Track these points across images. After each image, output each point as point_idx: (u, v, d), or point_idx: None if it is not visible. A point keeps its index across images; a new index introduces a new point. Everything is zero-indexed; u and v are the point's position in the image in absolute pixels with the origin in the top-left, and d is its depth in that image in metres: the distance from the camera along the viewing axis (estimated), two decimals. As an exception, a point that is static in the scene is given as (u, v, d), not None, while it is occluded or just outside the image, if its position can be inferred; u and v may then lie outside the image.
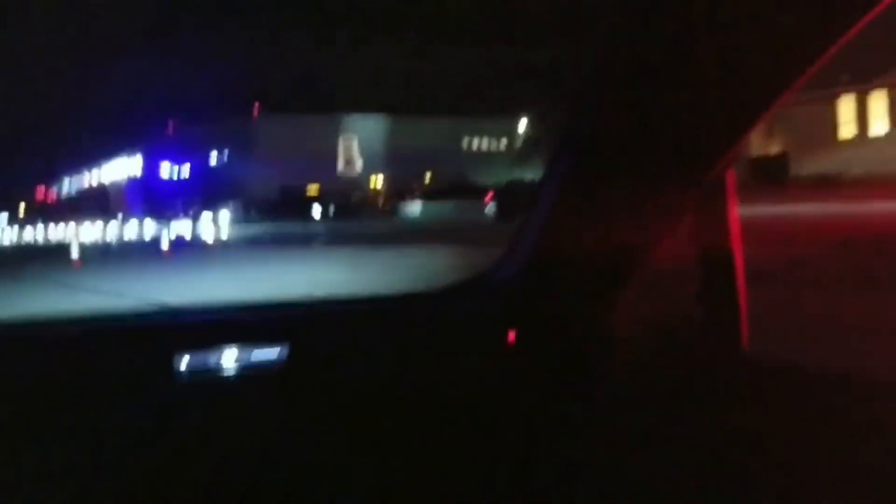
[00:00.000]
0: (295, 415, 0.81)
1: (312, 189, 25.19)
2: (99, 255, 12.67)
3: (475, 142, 33.30)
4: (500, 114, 31.94)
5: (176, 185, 28.57)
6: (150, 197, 29.91)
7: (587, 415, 0.80)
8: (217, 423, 0.79)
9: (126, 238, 20.23)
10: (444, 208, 18.88)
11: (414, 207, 19.86)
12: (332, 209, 21.54)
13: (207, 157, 27.77)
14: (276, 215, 20.00)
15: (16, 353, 0.76)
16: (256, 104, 27.78)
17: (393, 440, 0.81)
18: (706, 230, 0.71)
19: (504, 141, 33.21)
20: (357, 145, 30.12)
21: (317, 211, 20.10)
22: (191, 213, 24.65)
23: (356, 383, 0.83)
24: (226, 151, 27.69)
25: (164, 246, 10.65)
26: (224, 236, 13.65)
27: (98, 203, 32.16)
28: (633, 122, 0.66)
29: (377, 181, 29.16)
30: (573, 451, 0.79)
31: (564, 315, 0.87)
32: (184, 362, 0.78)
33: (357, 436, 0.81)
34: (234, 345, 0.80)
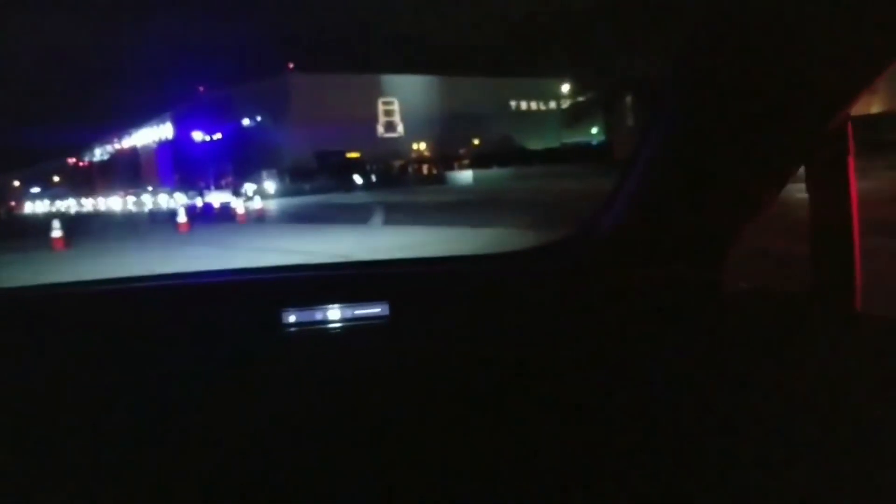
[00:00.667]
0: (396, 369, 0.82)
1: (351, 155, 23.06)
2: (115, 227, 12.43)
3: (523, 104, 30.77)
4: (551, 72, 29.13)
5: (207, 151, 27.16)
6: (179, 164, 28.71)
7: (694, 369, 0.76)
8: (321, 373, 0.82)
9: (146, 208, 19.20)
10: (499, 176, 16.71)
11: (464, 175, 17.71)
12: (373, 177, 19.34)
13: (239, 121, 26.04)
14: (313, 183, 18.12)
15: (145, 304, 0.85)
16: (290, 64, 25.69)
17: (491, 393, 0.82)
18: (821, 187, 0.69)
19: (553, 103, 30.60)
20: (398, 108, 27.87)
21: (357, 179, 18.04)
22: (222, 182, 23.19)
23: (455, 340, 0.85)
24: (258, 116, 25.84)
25: (181, 219, 9.11)
26: (257, 206, 12.02)
27: (127, 172, 31.24)
28: (746, 65, 0.61)
29: (420, 147, 27.02)
30: (683, 404, 0.75)
31: (668, 274, 0.83)
32: (291, 316, 0.82)
33: (456, 390, 0.82)
34: (337, 302, 0.83)
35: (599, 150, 20.54)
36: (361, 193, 16.20)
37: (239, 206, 11.61)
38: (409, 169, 22.29)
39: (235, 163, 25.30)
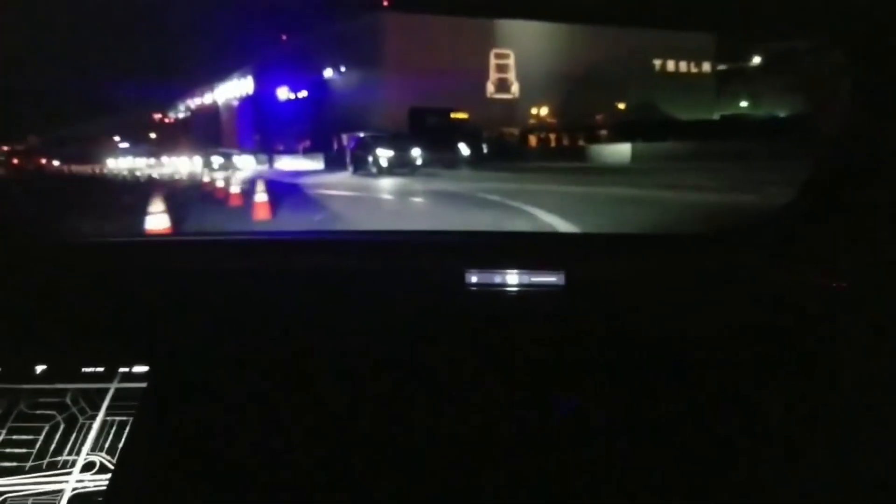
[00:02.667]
0: (569, 337, 0.85)
1: (457, 116, 17.33)
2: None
3: (670, 64, 23.94)
4: (709, 25, 21.88)
5: (286, 109, 23.29)
6: (258, 123, 25.48)
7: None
8: (498, 332, 0.87)
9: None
10: (669, 151, 10.97)
11: (614, 150, 11.96)
12: (484, 147, 13.70)
13: (321, 74, 21.59)
14: (404, 153, 13.03)
15: (339, 256, 0.96)
16: (385, 1, 20.52)
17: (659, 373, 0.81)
18: None
19: (707, 64, 23.60)
20: (514, 63, 22.03)
21: (464, 149, 12.63)
22: (299, 146, 19.50)
23: (626, 317, 0.86)
24: (342, 66, 21.09)
25: (260, 197, 5.87)
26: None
27: (208, 130, 28.65)
28: None
29: (540, 112, 21.07)
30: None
31: (872, 262, 0.82)
32: (474, 276, 0.90)
33: (625, 368, 0.82)
34: (515, 267, 0.89)
35: (788, 125, 14.19)
36: (470, 171, 11.12)
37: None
38: (533, 139, 16.59)
39: (315, 123, 21.01)
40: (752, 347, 0.83)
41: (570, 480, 0.76)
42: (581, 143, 14.24)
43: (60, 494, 0.72)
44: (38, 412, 0.79)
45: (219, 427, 0.79)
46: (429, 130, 14.28)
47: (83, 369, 0.82)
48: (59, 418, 0.79)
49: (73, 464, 0.75)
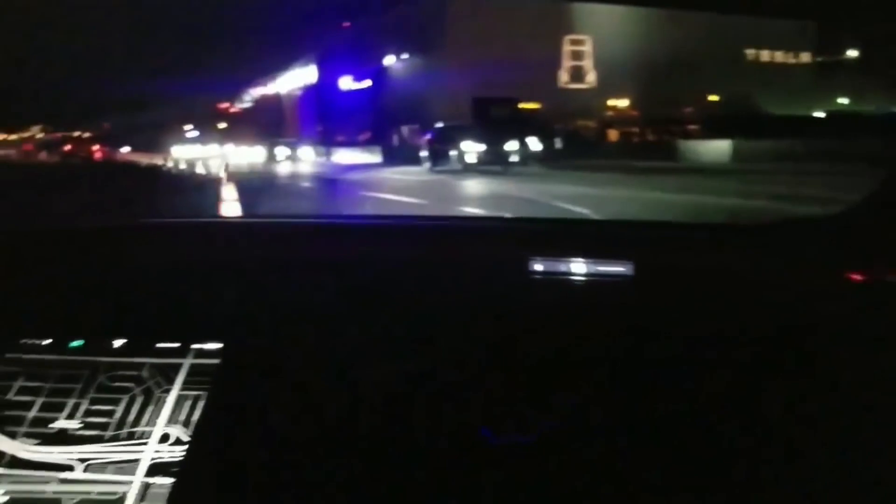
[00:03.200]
0: (636, 329, 0.84)
1: (527, 106, 15.67)
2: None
3: (764, 54, 21.56)
4: (809, 13, 19.27)
5: (348, 99, 22.52)
6: (320, 114, 24.97)
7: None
8: (562, 321, 0.86)
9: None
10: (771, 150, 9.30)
11: (709, 147, 10.23)
12: (557, 142, 11.99)
13: (382, 62, 20.64)
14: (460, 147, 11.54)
15: (404, 241, 1.01)
16: None
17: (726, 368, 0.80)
18: None
19: (807, 55, 21.14)
20: (591, 51, 20.23)
21: (534, 143, 11.06)
22: (359, 137, 18.70)
23: (695, 310, 0.86)
24: (404, 53, 19.98)
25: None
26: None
27: (271, 120, 28.49)
28: None
29: (619, 104, 19.24)
30: None
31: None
32: (538, 264, 0.89)
33: (693, 365, 0.81)
34: (582, 255, 0.88)
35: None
36: (542, 170, 9.70)
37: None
38: (613, 133, 14.86)
39: (376, 114, 20.08)
40: (830, 346, 0.81)
41: (646, 474, 0.75)
42: (670, 138, 12.40)
43: (137, 463, 0.76)
44: (117, 384, 0.83)
45: (289, 403, 0.81)
46: (494, 122, 12.61)
47: (158, 345, 0.86)
48: (136, 391, 0.83)
49: (150, 435, 0.79)
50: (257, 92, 32.29)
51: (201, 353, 0.86)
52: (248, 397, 0.81)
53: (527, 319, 0.87)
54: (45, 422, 0.80)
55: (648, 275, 0.89)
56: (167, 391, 0.83)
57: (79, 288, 0.95)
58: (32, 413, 0.80)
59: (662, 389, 0.80)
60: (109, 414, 0.81)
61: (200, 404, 0.81)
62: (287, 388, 0.82)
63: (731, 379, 0.80)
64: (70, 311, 0.91)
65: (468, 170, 10.35)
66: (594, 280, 0.90)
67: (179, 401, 0.82)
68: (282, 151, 19.03)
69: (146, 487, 0.74)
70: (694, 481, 0.74)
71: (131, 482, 0.74)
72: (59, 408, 0.81)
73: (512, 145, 10.77)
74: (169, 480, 0.74)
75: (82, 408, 0.81)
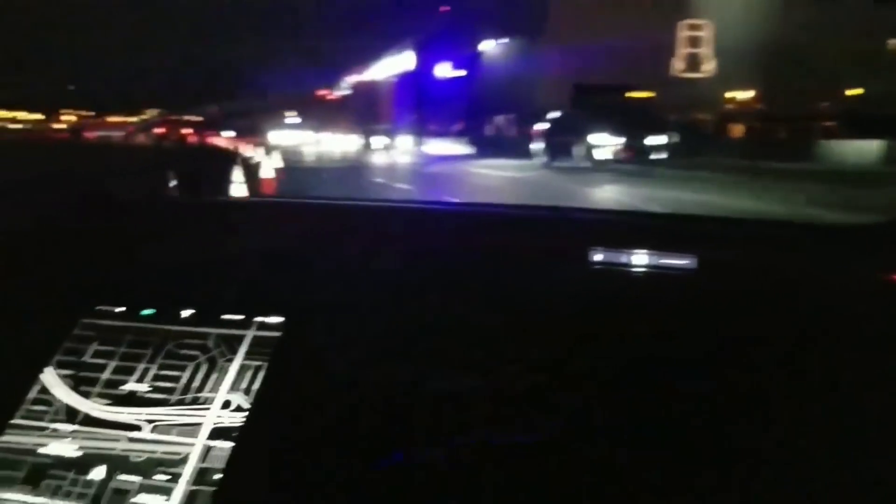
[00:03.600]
0: (699, 326, 0.85)
1: (637, 95, 14.83)
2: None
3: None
4: None
5: (444, 87, 22.68)
6: (416, 102, 25.33)
7: None
8: (622, 314, 0.87)
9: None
10: None
11: (866, 148, 9.05)
12: (673, 137, 10.68)
13: (479, 47, 20.54)
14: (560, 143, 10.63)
15: (460, 228, 1.05)
16: None
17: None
18: None
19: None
20: (709, 37, 18.94)
21: (653, 139, 9.83)
22: (453, 127, 18.78)
23: (766, 308, 0.85)
24: (504, 37, 19.76)
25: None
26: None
27: (365, 108, 29.34)
28: None
29: (741, 96, 17.86)
30: None
31: None
32: (598, 255, 0.91)
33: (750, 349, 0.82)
34: (644, 248, 0.90)
35: None
36: (657, 168, 8.81)
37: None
38: (737, 128, 13.68)
39: (471, 103, 20.08)
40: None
41: (718, 472, 0.75)
42: (805, 135, 11.17)
43: (200, 427, 0.82)
44: (184, 352, 0.90)
45: (346, 379, 0.85)
46: (600, 112, 11.53)
47: (223, 316, 0.93)
48: (201, 359, 0.89)
49: (213, 401, 0.84)
50: (355, 79, 33.44)
51: (263, 326, 0.93)
52: (307, 370, 0.87)
53: (587, 310, 0.89)
54: (117, 384, 0.87)
55: (713, 268, 0.89)
56: (230, 360, 0.89)
57: (150, 260, 1.04)
58: (105, 375, 0.88)
59: (721, 388, 0.80)
60: (176, 379, 0.87)
61: (261, 374, 0.87)
62: (345, 364, 0.87)
63: (791, 381, 0.80)
64: (142, 282, 1.00)
65: (599, 168, 9.18)
66: (656, 272, 0.91)
67: (241, 370, 0.88)
68: (377, 140, 19.45)
69: (208, 450, 0.80)
70: (750, 482, 0.74)
71: (194, 444, 0.81)
72: (129, 371, 0.89)
73: (656, 140, 9.17)
74: (229, 444, 0.80)
75: (151, 372, 0.88)
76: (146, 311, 0.95)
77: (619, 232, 0.97)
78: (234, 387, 0.86)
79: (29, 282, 0.99)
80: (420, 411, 0.82)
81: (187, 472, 0.77)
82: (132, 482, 0.76)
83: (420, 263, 0.98)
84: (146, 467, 0.78)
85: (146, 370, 0.88)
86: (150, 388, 0.86)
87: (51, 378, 0.87)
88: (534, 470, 0.76)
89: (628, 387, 0.81)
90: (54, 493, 0.76)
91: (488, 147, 14.71)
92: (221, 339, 0.91)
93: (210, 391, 0.85)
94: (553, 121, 11.73)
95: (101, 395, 0.86)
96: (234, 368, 0.87)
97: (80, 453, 0.79)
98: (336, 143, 23.29)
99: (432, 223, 1.11)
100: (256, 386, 0.85)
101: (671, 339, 0.83)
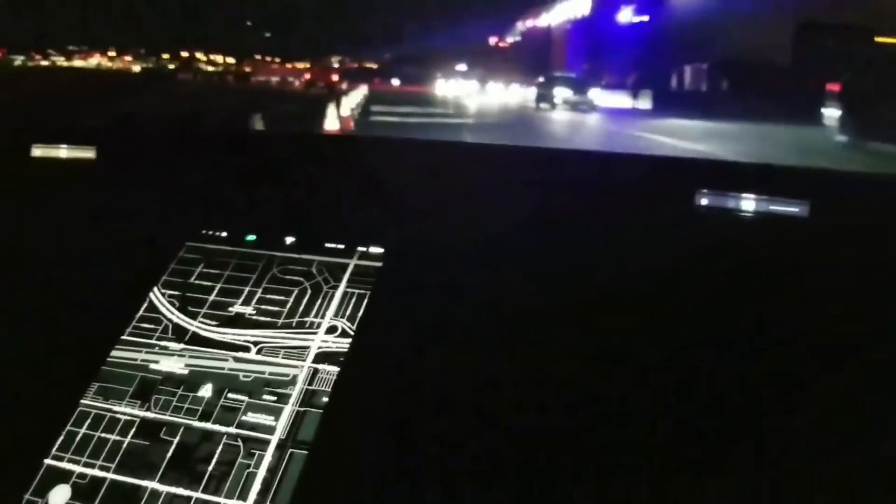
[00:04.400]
0: (810, 273, 0.86)
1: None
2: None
3: None
4: None
5: (623, 34, 21.45)
6: (592, 49, 24.12)
7: None
8: (726, 261, 0.88)
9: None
10: None
11: None
12: None
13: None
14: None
15: (561, 170, 1.09)
16: None
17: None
18: None
19: None
20: None
21: None
22: (628, 79, 17.68)
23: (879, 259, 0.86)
24: None
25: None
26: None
27: (536, 56, 28.63)
28: None
29: None
30: None
31: None
32: (704, 199, 0.93)
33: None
34: (753, 193, 0.91)
35: None
36: None
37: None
38: None
39: (654, 51, 18.76)
40: None
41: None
42: None
43: (307, 351, 0.88)
44: (288, 277, 0.96)
45: (444, 309, 0.91)
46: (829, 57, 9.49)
47: (327, 245, 1.00)
48: (306, 285, 0.95)
49: (318, 325, 0.90)
50: (528, 25, 32.64)
51: (365, 256, 0.98)
52: (406, 298, 0.93)
53: (691, 254, 0.91)
54: (223, 306, 0.95)
55: (826, 216, 0.90)
56: (334, 287, 0.95)
57: (252, 189, 1.12)
58: (211, 297, 0.96)
59: (824, 334, 0.81)
60: (281, 304, 0.94)
61: (364, 302, 0.93)
62: (441, 293, 0.93)
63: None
64: (246, 210, 1.09)
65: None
66: (765, 218, 0.93)
67: (345, 297, 0.93)
68: (563, 93, 18.99)
69: (314, 372, 0.86)
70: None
71: (301, 366, 0.86)
72: (235, 294, 0.96)
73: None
74: (335, 368, 0.86)
75: (256, 296, 0.95)
76: (249, 237, 1.02)
77: (727, 177, 0.99)
78: (338, 313, 0.91)
79: (139, 206, 1.10)
80: (518, 350, 0.86)
81: (295, 393, 0.83)
82: (241, 401, 0.83)
83: (520, 204, 1.01)
84: (254, 387, 0.84)
85: (251, 294, 0.95)
86: (256, 311, 0.93)
87: (159, 298, 0.96)
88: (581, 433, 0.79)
89: (735, 335, 0.83)
90: (164, 408, 0.83)
91: (666, 103, 13.71)
92: (325, 266, 0.97)
93: (315, 316, 0.91)
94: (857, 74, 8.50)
95: (207, 316, 0.93)
96: (338, 295, 0.93)
97: (188, 371, 0.87)
98: (503, 93, 23.13)
99: (532, 164, 1.15)
100: (360, 313, 0.91)
101: (781, 286, 0.85)
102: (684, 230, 0.95)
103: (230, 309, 0.94)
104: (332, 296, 0.93)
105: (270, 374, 0.85)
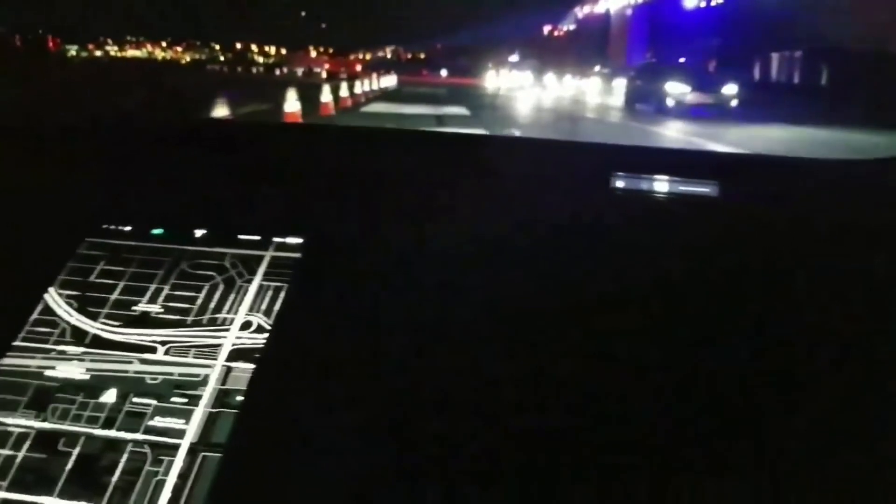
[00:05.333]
0: (719, 248, 0.96)
1: None
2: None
3: None
4: None
5: (692, 20, 20.89)
6: (653, 37, 23.56)
7: None
8: (642, 239, 0.98)
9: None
10: None
11: None
12: None
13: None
14: None
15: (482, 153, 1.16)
16: None
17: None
18: None
19: None
20: None
21: None
22: (706, 69, 17.13)
23: (785, 239, 0.96)
24: None
25: None
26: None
27: (592, 45, 28.19)
28: None
29: None
30: None
31: None
32: (619, 181, 1.03)
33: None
34: (665, 174, 1.03)
35: None
36: None
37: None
38: None
39: (736, 34, 18.21)
40: None
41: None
42: None
43: (220, 349, 0.87)
44: (199, 272, 0.97)
45: (367, 301, 0.93)
46: None
47: (240, 236, 1.00)
48: (218, 279, 0.95)
49: (232, 322, 0.90)
50: (585, 10, 32.25)
51: (283, 247, 0.99)
52: (327, 290, 0.94)
53: (606, 235, 1.00)
54: (127, 305, 0.95)
55: (734, 196, 1.01)
56: (249, 281, 0.96)
57: (162, 179, 1.13)
58: (114, 296, 0.96)
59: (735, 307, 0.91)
60: (191, 300, 0.94)
61: (281, 295, 0.93)
62: (364, 284, 0.95)
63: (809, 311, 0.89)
64: (153, 201, 1.09)
65: None
66: (676, 198, 1.03)
67: (261, 291, 0.94)
68: (601, 81, 18.39)
69: (228, 371, 0.86)
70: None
71: (213, 365, 0.87)
72: (140, 292, 0.96)
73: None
74: (250, 366, 0.86)
75: (164, 293, 0.96)
76: (156, 231, 1.02)
77: (641, 161, 1.09)
78: (253, 307, 0.92)
79: (32, 200, 1.09)
80: (439, 340, 0.89)
81: (207, 394, 0.83)
82: (147, 405, 0.83)
83: (439, 190, 1.06)
84: (162, 390, 0.84)
85: (158, 291, 0.95)
86: (164, 309, 0.93)
87: (55, 299, 0.95)
88: (541, 408, 0.83)
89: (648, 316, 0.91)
90: (63, 417, 0.82)
91: (762, 97, 12.58)
92: (238, 259, 0.98)
93: (228, 312, 0.92)
94: None
95: (110, 317, 0.93)
96: (252, 289, 0.94)
97: (89, 376, 0.86)
98: (559, 85, 22.86)
99: (454, 151, 1.22)
100: (277, 307, 0.92)
101: (692, 262, 0.95)
102: (600, 211, 1.03)
103: (135, 308, 0.94)
104: (247, 290, 0.94)
105: (180, 375, 0.86)
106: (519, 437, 0.83)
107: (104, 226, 1.04)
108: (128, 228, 1.04)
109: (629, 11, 27.47)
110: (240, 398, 0.83)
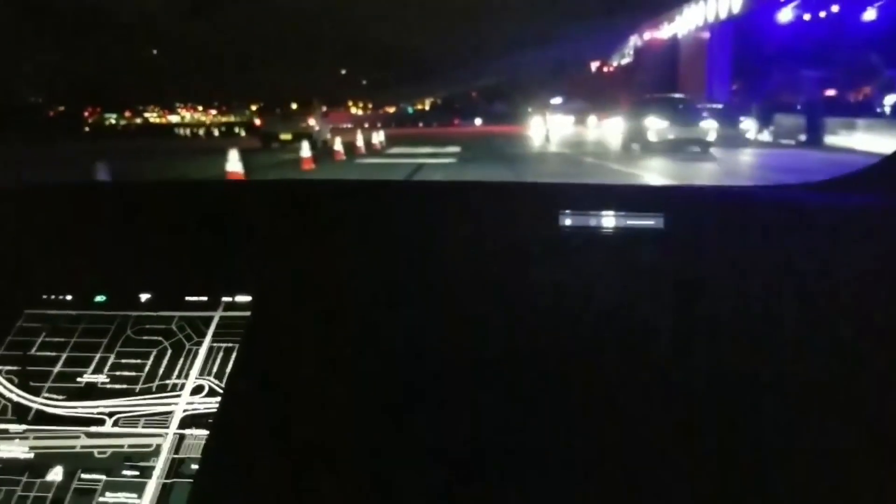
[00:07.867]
0: (668, 280, 1.16)
1: None
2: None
3: None
4: None
5: (795, 38, 21.11)
6: (742, 63, 23.75)
7: None
8: (591, 274, 1.18)
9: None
10: None
11: None
12: None
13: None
14: None
15: (433, 201, 1.38)
16: None
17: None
18: None
19: None
20: None
21: None
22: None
23: (731, 263, 1.17)
24: None
25: None
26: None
27: (655, 77, 28.56)
28: None
29: None
30: None
31: None
32: (567, 219, 1.24)
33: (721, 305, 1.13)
34: (612, 210, 1.23)
35: None
36: None
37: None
38: None
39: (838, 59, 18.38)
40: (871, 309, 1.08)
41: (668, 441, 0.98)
42: None
43: (171, 416, 1.00)
44: (145, 338, 1.11)
45: (324, 356, 1.07)
46: None
47: (187, 298, 1.15)
48: (165, 344, 1.09)
49: (182, 387, 1.03)
50: (644, 40, 32.82)
51: (232, 306, 1.13)
52: (280, 349, 1.08)
53: (555, 272, 1.18)
54: (71, 377, 1.08)
55: (679, 228, 1.21)
56: (198, 344, 1.09)
57: (102, 245, 1.27)
58: (57, 368, 1.09)
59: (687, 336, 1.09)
60: (138, 368, 1.07)
61: (233, 356, 1.07)
62: (319, 341, 1.08)
63: (755, 334, 1.08)
64: (94, 267, 1.23)
65: None
66: (624, 233, 1.22)
67: (211, 353, 1.07)
68: (653, 123, 16.93)
69: (181, 439, 0.97)
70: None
71: (165, 434, 0.98)
72: (85, 363, 1.09)
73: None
74: (204, 432, 0.98)
75: (109, 362, 1.09)
76: (99, 298, 1.17)
77: (588, 197, 1.28)
78: (204, 371, 1.05)
79: None
80: (393, 387, 1.04)
81: (159, 464, 0.94)
82: (97, 480, 0.93)
83: (391, 241, 1.26)
84: (112, 463, 0.95)
85: (103, 360, 1.08)
86: (110, 379, 1.05)
87: None
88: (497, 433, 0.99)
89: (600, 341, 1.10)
90: (6, 500, 0.92)
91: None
92: (186, 321, 1.12)
93: (178, 377, 1.05)
94: None
95: (53, 390, 1.05)
96: (202, 352, 1.07)
97: (33, 454, 0.97)
98: (611, 131, 23.07)
99: (406, 199, 1.41)
100: (229, 368, 1.05)
101: (640, 290, 1.15)
102: (549, 248, 1.23)
103: (79, 379, 1.06)
104: (197, 353, 1.07)
105: (130, 446, 0.97)
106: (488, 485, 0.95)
107: (44, 296, 1.18)
108: (69, 297, 1.18)
109: (703, 35, 27.75)
110: (195, 466, 0.93)
